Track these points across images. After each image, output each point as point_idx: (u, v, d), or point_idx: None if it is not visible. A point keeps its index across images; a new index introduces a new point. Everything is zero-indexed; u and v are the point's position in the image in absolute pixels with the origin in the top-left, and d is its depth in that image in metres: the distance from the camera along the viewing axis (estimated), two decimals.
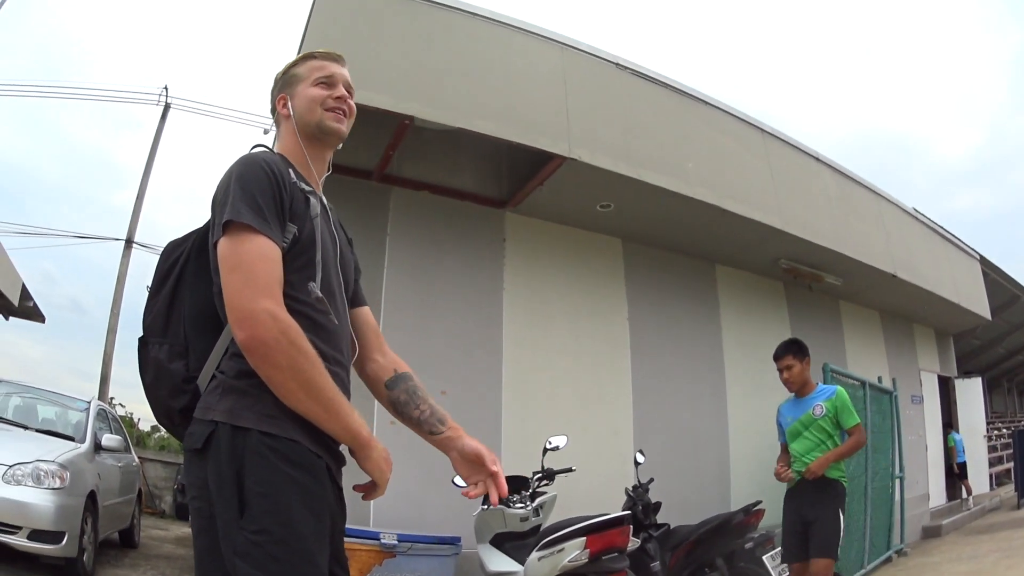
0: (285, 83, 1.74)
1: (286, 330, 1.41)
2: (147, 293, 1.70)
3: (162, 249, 1.73)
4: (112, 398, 13.74)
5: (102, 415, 7.23)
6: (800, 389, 4.54)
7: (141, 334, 1.66)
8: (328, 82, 1.70)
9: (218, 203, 1.51)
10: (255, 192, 1.48)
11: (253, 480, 1.39)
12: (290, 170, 1.59)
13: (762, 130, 6.88)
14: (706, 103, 6.39)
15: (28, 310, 11.98)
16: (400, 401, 1.74)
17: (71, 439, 6.08)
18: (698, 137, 6.28)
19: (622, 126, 5.66)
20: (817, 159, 7.49)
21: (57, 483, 5.07)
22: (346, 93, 1.72)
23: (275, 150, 1.70)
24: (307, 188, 1.61)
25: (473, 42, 5.19)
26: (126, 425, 8.70)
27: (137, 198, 15.22)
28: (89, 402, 7.00)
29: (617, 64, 5.80)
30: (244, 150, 1.64)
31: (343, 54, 1.79)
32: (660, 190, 5.67)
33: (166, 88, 20.74)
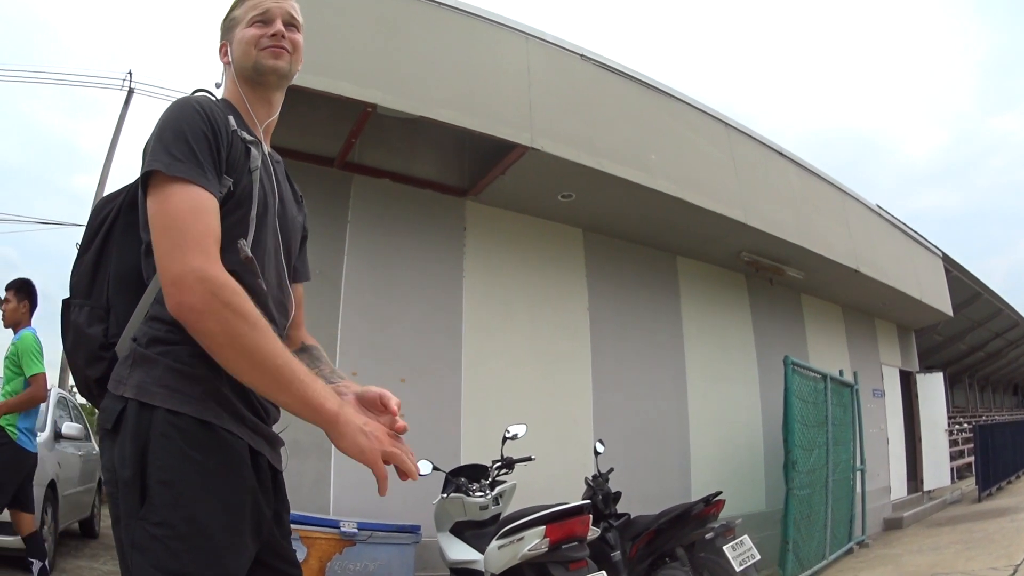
0: (225, 30, 1.60)
1: (218, 290, 1.22)
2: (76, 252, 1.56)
3: (93, 205, 1.58)
4: (72, 386, 13.48)
5: (62, 403, 7.09)
6: (14, 327, 4.67)
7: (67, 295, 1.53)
8: (264, 19, 1.54)
9: (147, 151, 1.34)
10: (188, 137, 1.32)
11: (156, 466, 1.26)
12: (230, 117, 1.44)
13: (726, 124, 6.93)
14: (671, 96, 6.41)
15: None
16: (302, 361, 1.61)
17: None
18: (662, 130, 6.30)
19: (585, 117, 5.66)
20: (781, 154, 7.56)
21: None
22: (283, 28, 1.54)
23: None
24: (249, 137, 1.46)
25: (437, 30, 5.15)
26: (86, 413, 8.55)
27: (99, 184, 14.96)
28: (50, 390, 6.88)
29: (582, 55, 5.80)
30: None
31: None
32: (622, 181, 5.68)
33: (130, 73, 20.33)
